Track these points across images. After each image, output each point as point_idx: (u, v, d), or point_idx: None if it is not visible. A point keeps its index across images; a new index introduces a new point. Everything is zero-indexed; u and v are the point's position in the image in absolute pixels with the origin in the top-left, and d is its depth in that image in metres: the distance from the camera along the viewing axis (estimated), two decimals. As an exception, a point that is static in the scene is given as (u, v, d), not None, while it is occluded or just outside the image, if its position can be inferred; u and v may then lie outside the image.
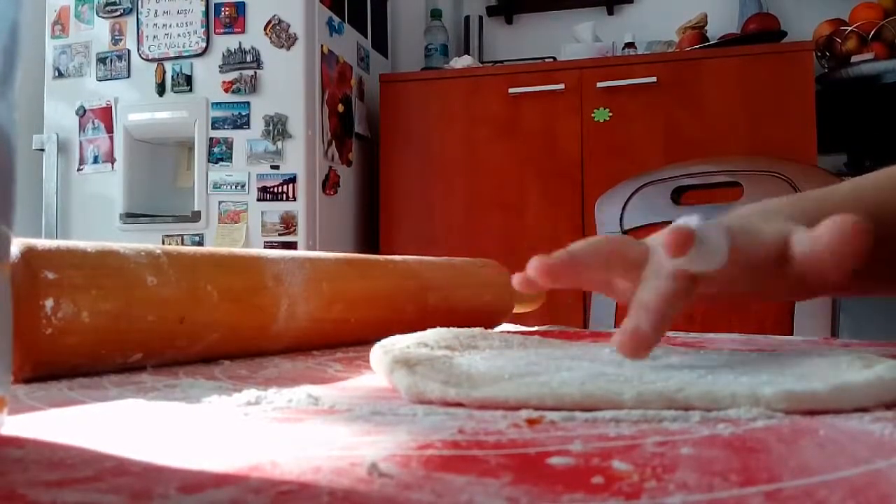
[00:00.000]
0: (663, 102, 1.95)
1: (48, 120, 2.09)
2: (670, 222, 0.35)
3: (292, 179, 1.90)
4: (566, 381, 0.29)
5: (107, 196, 2.02)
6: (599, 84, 1.98)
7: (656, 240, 0.38)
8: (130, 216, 2.01)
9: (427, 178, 2.11)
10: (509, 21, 2.59)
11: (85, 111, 2.06)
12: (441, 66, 2.33)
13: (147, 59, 2.00)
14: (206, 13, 1.96)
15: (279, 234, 1.90)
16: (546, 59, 2.29)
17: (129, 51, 2.03)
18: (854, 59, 2.02)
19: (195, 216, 1.95)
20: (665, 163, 1.69)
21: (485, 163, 2.07)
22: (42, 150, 2.06)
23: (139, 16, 2.01)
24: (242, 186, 1.93)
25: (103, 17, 2.06)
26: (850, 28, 2.06)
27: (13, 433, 0.24)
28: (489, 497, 0.17)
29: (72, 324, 0.35)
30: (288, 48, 1.91)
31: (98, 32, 2.07)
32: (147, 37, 2.00)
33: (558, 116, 2.02)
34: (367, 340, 0.50)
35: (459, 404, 0.29)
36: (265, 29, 1.93)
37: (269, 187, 1.92)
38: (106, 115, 2.04)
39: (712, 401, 0.27)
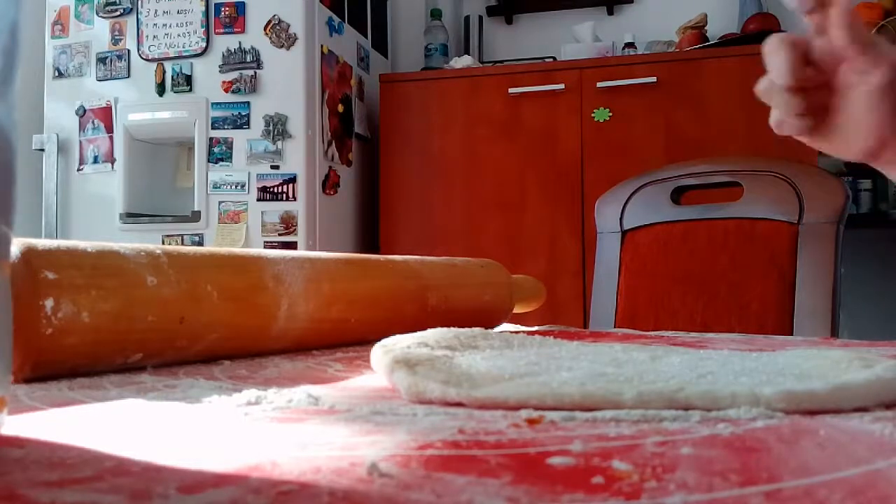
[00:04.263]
0: (663, 102, 1.95)
1: (48, 120, 2.09)
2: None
3: (292, 179, 1.90)
4: (566, 381, 0.29)
5: (107, 196, 2.02)
6: (599, 84, 1.98)
7: None
8: (130, 216, 2.01)
9: (427, 178, 2.11)
10: (509, 21, 2.59)
11: (85, 111, 2.06)
12: (441, 66, 2.33)
13: (147, 59, 2.00)
14: (206, 13, 1.96)
15: (279, 234, 1.90)
16: (546, 59, 2.29)
17: (128, 51, 2.03)
18: (854, 58, 2.02)
19: (195, 216, 1.95)
20: (665, 163, 1.69)
21: (485, 163, 2.07)
22: (42, 150, 2.06)
23: (139, 16, 2.01)
24: (242, 186, 1.93)
25: (103, 17, 2.06)
26: (850, 28, 2.05)
27: (13, 433, 0.24)
28: (489, 497, 0.17)
29: (72, 324, 0.35)
30: (288, 48, 1.91)
31: (98, 32, 2.07)
32: (147, 37, 2.00)
33: (558, 116, 2.02)
34: (368, 340, 0.50)
35: (460, 404, 0.29)
36: (265, 29, 1.93)
37: (269, 187, 1.92)
38: (106, 114, 2.04)
39: (712, 401, 0.27)
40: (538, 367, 0.34)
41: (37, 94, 2.10)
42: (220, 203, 1.94)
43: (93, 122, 2.05)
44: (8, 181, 0.22)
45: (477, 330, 0.46)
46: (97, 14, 2.06)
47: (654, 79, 1.94)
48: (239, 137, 1.93)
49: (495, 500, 0.16)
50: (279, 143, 1.91)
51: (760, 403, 0.26)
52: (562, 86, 2.00)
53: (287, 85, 1.91)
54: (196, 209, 1.96)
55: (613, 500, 0.16)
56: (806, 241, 0.97)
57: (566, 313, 1.94)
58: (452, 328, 0.45)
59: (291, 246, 1.88)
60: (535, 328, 0.68)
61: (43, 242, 0.36)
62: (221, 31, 1.95)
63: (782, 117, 0.49)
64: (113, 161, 2.03)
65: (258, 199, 1.92)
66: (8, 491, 0.17)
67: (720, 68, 1.92)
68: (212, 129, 1.95)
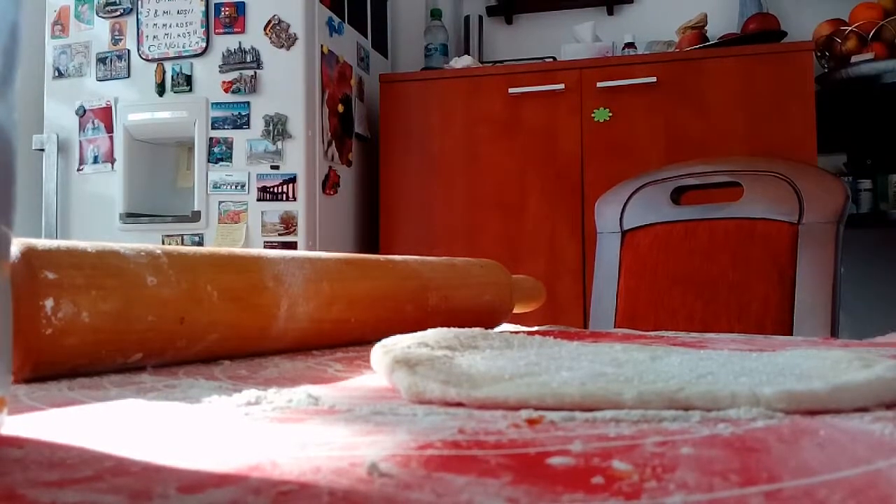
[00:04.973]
0: (663, 102, 1.95)
1: (48, 120, 2.09)
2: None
3: (292, 179, 1.91)
4: (566, 381, 0.29)
5: (107, 196, 2.02)
6: (599, 84, 1.98)
7: None
8: (130, 216, 2.01)
9: (427, 178, 2.11)
10: (509, 21, 2.59)
11: (85, 111, 2.06)
12: (441, 66, 2.33)
13: (147, 59, 2.00)
14: (206, 13, 1.96)
15: (279, 234, 1.90)
16: (546, 59, 2.29)
17: (128, 51, 2.03)
18: (854, 59, 2.02)
19: (195, 216, 1.95)
20: (665, 163, 1.69)
21: (485, 163, 2.07)
22: (42, 150, 2.06)
23: (139, 16, 2.01)
24: (242, 186, 1.93)
25: (103, 17, 2.06)
26: (849, 28, 2.06)
27: (13, 433, 0.24)
28: (489, 497, 0.17)
29: (72, 324, 0.35)
30: (288, 48, 1.91)
31: (98, 32, 2.07)
32: (147, 37, 2.00)
33: (558, 116, 2.02)
34: (368, 340, 0.50)
35: (460, 404, 0.29)
36: (265, 29, 1.93)
37: (269, 187, 1.92)
38: (106, 115, 2.04)
39: (712, 401, 0.27)
40: (538, 367, 0.34)
41: (37, 94, 2.10)
42: (220, 203, 1.94)
43: (93, 122, 2.05)
44: (8, 181, 0.22)
45: (477, 330, 0.46)
46: (97, 14, 2.07)
47: (654, 79, 1.94)
48: (239, 137, 1.93)
49: (495, 500, 0.16)
50: (279, 143, 1.91)
51: (760, 403, 0.26)
52: (562, 86, 2.00)
53: (287, 85, 1.91)
54: (196, 209, 1.96)
55: (613, 500, 0.16)
56: (806, 241, 0.97)
57: (566, 313, 1.94)
58: (452, 328, 0.45)
59: (291, 246, 1.88)
60: (535, 328, 0.68)
61: (43, 242, 0.36)
62: (221, 31, 1.95)
63: None
64: (113, 161, 2.03)
65: (258, 199, 1.92)
66: (8, 491, 0.17)
67: (720, 68, 1.92)
68: (212, 129, 1.95)
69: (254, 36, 1.93)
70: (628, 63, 2.02)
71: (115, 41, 2.05)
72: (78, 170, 2.06)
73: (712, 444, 0.22)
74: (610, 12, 2.49)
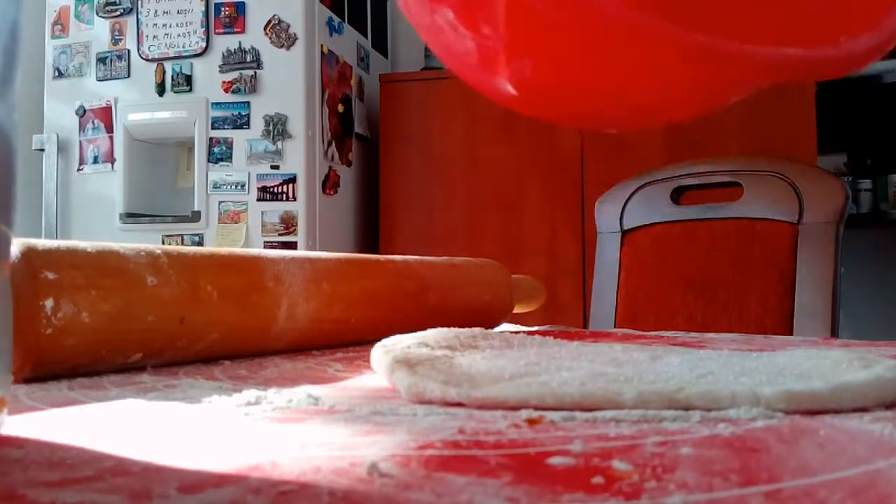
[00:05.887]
0: (663, 102, 1.94)
1: (48, 120, 2.09)
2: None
3: (292, 179, 1.91)
4: (566, 380, 0.29)
5: (107, 196, 2.02)
6: (599, 84, 1.97)
7: None
8: (130, 216, 2.01)
9: (427, 178, 2.11)
10: (509, 21, 2.59)
11: (85, 111, 2.06)
12: (441, 65, 2.33)
13: (147, 59, 2.00)
14: (206, 13, 1.96)
15: (279, 234, 1.90)
16: (546, 59, 2.29)
17: (128, 51, 2.03)
18: (854, 58, 2.02)
19: (195, 216, 1.95)
20: (665, 162, 1.69)
21: (485, 163, 2.07)
22: (42, 150, 2.07)
23: (139, 16, 2.01)
24: (242, 186, 1.93)
25: (103, 17, 2.06)
26: (850, 28, 2.05)
27: (13, 433, 0.24)
28: (489, 497, 0.17)
29: (72, 324, 0.35)
30: (288, 48, 1.91)
31: (98, 32, 2.07)
32: (147, 37, 2.00)
33: (558, 116, 2.02)
34: (368, 340, 0.50)
35: (460, 404, 0.29)
36: (265, 29, 1.93)
37: (269, 187, 1.92)
38: (106, 114, 2.04)
39: (712, 401, 0.27)
40: (538, 367, 0.34)
41: (37, 94, 2.10)
42: (220, 203, 1.94)
43: (93, 122, 2.05)
44: (8, 181, 0.22)
45: (477, 330, 0.46)
46: (97, 14, 2.07)
47: (654, 79, 1.94)
48: (239, 137, 1.93)
49: (495, 500, 0.16)
50: (279, 143, 1.91)
51: (760, 403, 0.26)
52: (562, 86, 2.00)
53: (287, 85, 1.91)
54: (196, 209, 1.96)
55: (613, 500, 0.16)
56: (806, 241, 0.97)
57: (566, 313, 1.94)
58: (452, 328, 0.45)
59: (291, 246, 1.88)
60: (535, 328, 0.68)
61: (43, 242, 0.36)
62: (221, 31, 1.95)
63: None
64: (113, 161, 2.03)
65: (258, 199, 1.92)
66: (8, 491, 0.17)
67: (720, 68, 1.92)
68: (212, 129, 1.95)
69: (254, 36, 1.93)
70: (628, 63, 2.01)
71: (115, 41, 2.05)
72: (78, 170, 2.06)
73: (712, 444, 0.22)
74: (610, 12, 2.49)
